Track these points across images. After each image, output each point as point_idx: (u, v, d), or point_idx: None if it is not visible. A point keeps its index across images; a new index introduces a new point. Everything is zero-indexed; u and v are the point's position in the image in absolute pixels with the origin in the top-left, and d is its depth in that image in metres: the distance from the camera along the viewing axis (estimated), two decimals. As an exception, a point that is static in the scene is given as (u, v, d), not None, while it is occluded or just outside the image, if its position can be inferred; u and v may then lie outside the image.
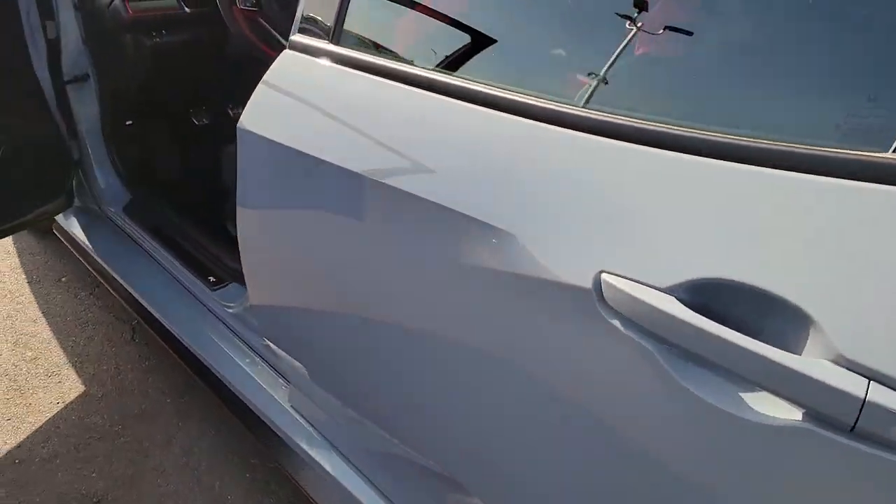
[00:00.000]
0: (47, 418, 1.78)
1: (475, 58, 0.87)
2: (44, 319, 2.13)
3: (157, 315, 1.80)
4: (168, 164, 2.30)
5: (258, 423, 1.44)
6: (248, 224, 1.09)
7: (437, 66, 0.89)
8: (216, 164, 2.16)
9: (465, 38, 0.88)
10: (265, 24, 1.78)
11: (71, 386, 1.89)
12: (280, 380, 1.49)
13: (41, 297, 2.23)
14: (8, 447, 1.69)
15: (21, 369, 1.93)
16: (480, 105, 0.78)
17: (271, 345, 1.30)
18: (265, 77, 1.02)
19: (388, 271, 0.86)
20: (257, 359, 1.57)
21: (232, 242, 1.80)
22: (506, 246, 0.70)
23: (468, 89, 0.80)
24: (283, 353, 1.26)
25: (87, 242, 2.07)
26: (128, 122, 2.10)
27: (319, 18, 1.01)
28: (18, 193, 1.76)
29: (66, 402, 1.84)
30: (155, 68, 1.91)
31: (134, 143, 2.14)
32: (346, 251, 0.92)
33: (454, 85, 0.82)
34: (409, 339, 0.87)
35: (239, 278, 1.71)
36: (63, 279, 2.33)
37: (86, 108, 1.92)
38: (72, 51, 1.81)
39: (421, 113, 0.83)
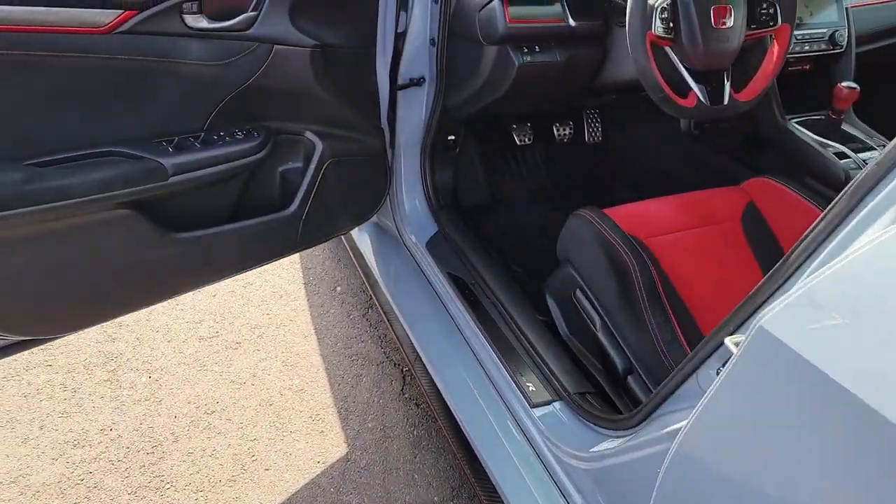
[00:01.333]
0: (305, 480, 1.53)
1: None
2: (314, 338, 1.91)
3: (437, 382, 1.45)
4: (485, 193, 1.96)
5: None
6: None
7: None
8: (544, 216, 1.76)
9: None
10: (676, 58, 1.28)
11: (332, 442, 1.62)
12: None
13: (315, 308, 2.02)
14: (262, 509, 1.45)
15: (286, 400, 1.71)
16: None
17: None
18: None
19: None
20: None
21: (568, 352, 1.38)
22: None
23: None
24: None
25: (373, 263, 1.79)
26: (450, 138, 1.75)
27: None
28: (341, 207, 1.54)
29: (325, 464, 1.57)
30: (513, 86, 1.51)
31: (450, 163, 1.80)
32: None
33: None
34: None
35: (565, 397, 1.27)
36: (338, 289, 2.10)
37: (410, 115, 1.61)
38: (411, 50, 1.50)
39: None
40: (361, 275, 2.02)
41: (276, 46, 1.25)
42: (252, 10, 1.21)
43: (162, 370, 1.76)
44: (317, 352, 1.87)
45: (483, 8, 1.43)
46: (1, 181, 0.99)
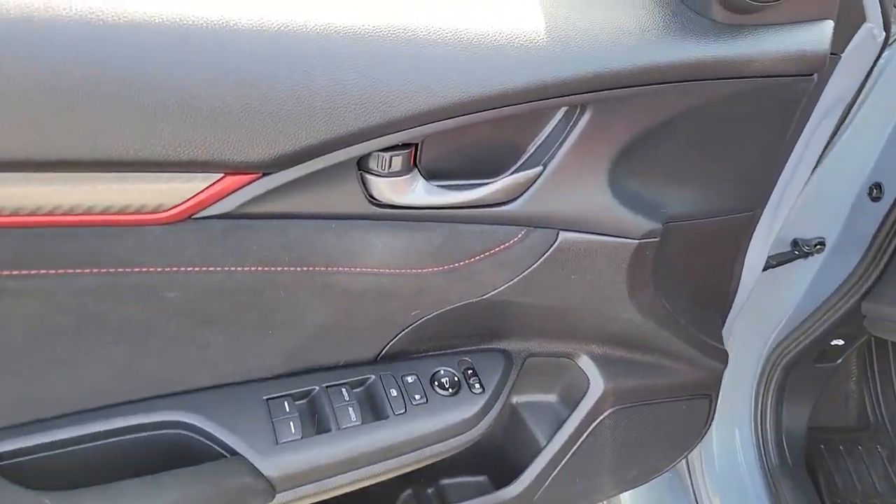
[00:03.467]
0: None
1: None
2: None
3: None
4: (853, 411, 1.35)
5: None
6: None
7: None
8: None
9: None
10: None
11: None
12: None
13: None
14: None
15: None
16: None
17: None
18: None
19: None
20: None
21: None
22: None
23: None
24: None
25: None
26: (835, 343, 1.22)
27: None
28: (607, 473, 1.05)
29: None
30: None
31: (815, 386, 1.25)
32: None
33: None
34: None
35: None
36: None
37: (758, 307, 1.12)
38: (810, 199, 1.05)
39: None
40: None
41: (562, 234, 0.78)
42: (522, 168, 0.73)
43: None
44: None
45: None
46: None
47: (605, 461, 0.99)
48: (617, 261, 0.81)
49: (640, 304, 0.87)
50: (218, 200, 0.63)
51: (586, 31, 0.68)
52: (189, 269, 0.65)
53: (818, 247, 1.11)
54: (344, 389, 0.80)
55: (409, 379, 0.84)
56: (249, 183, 0.63)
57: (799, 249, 1.11)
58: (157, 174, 0.59)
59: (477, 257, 0.75)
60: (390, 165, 0.67)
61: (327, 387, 0.80)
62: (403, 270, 0.73)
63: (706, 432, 1.10)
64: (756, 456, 1.19)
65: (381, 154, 0.66)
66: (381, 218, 0.71)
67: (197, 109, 0.57)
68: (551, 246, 0.78)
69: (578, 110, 0.72)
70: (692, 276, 0.96)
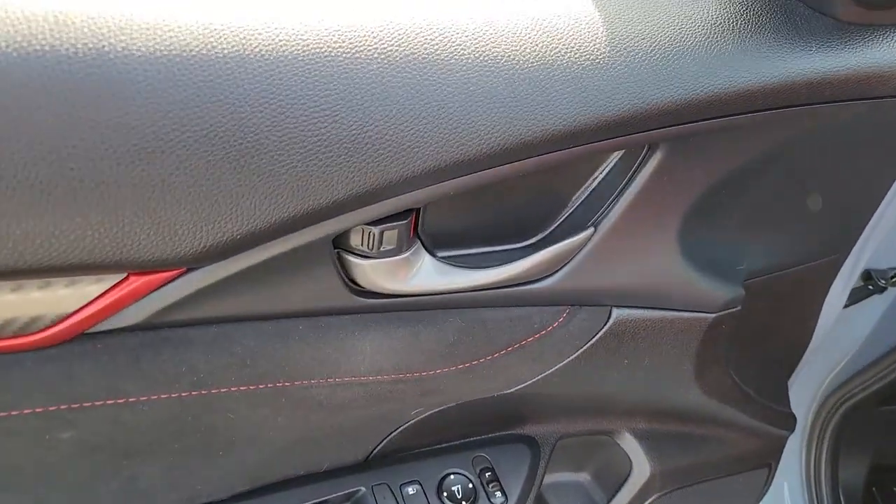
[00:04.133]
0: None
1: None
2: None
3: None
4: None
5: None
6: None
7: None
8: None
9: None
10: None
11: None
12: None
13: None
14: None
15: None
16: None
17: None
18: None
19: None
20: None
21: None
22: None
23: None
24: None
25: None
26: None
27: None
28: None
29: None
30: None
31: (874, 437, 1.07)
32: None
33: None
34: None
35: None
36: None
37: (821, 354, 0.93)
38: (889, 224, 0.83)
39: None
40: None
41: (616, 312, 0.59)
42: (565, 227, 0.53)
43: None
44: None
45: None
46: None
47: None
48: (685, 340, 0.61)
49: (707, 385, 0.68)
50: (122, 308, 0.41)
51: (663, 43, 0.47)
52: (87, 404, 0.44)
53: (895, 279, 0.90)
54: None
55: (411, 490, 0.64)
56: (168, 282, 0.41)
57: (873, 283, 0.91)
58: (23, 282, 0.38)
59: (503, 351, 0.55)
60: (381, 243, 0.46)
61: None
62: (403, 375, 0.53)
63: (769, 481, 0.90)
64: None
65: (368, 228, 0.45)
66: (369, 311, 0.50)
67: (70, 182, 0.35)
68: (601, 328, 0.58)
69: (646, 150, 0.50)
70: (767, 337, 0.76)
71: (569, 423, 0.74)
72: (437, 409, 0.61)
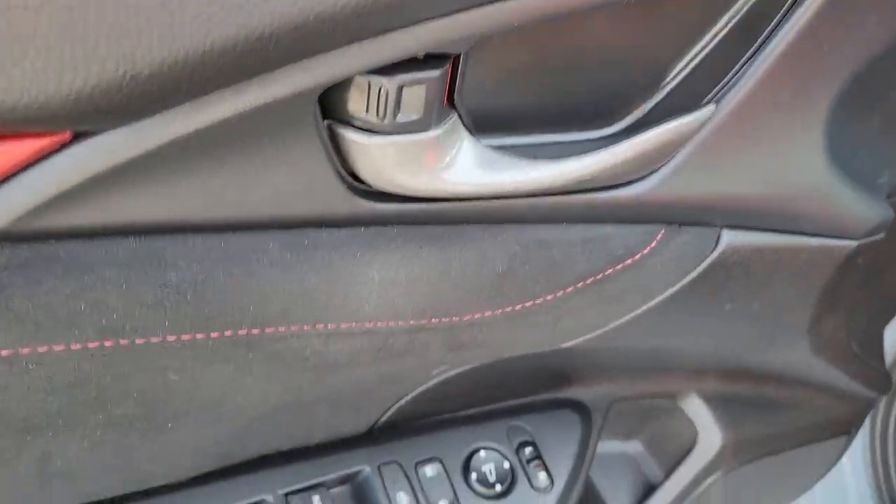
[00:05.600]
0: None
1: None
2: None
3: None
4: None
5: None
6: None
7: None
8: None
9: None
10: None
11: None
12: None
13: None
14: None
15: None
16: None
17: None
18: None
19: None
20: None
21: None
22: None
23: None
24: None
25: None
26: None
27: None
28: None
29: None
30: None
31: None
32: None
33: None
34: None
35: None
36: None
37: None
38: None
39: None
40: None
41: (726, 234, 0.41)
42: (669, 104, 0.35)
43: None
44: None
45: None
46: None
47: None
48: (813, 277, 0.44)
49: (819, 338, 0.52)
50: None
51: None
52: None
53: None
54: (316, 499, 0.45)
55: (429, 471, 0.49)
56: (42, 158, 0.24)
57: None
58: None
59: (570, 288, 0.38)
60: (397, 108, 0.28)
61: (287, 494, 0.45)
62: (427, 322, 0.36)
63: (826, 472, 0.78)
64: (870, 479, 0.92)
65: (378, 81, 0.27)
66: (378, 221, 0.33)
67: None
68: (706, 258, 0.40)
69: None
70: (883, 277, 0.60)
71: (625, 385, 0.58)
72: (466, 368, 0.45)
